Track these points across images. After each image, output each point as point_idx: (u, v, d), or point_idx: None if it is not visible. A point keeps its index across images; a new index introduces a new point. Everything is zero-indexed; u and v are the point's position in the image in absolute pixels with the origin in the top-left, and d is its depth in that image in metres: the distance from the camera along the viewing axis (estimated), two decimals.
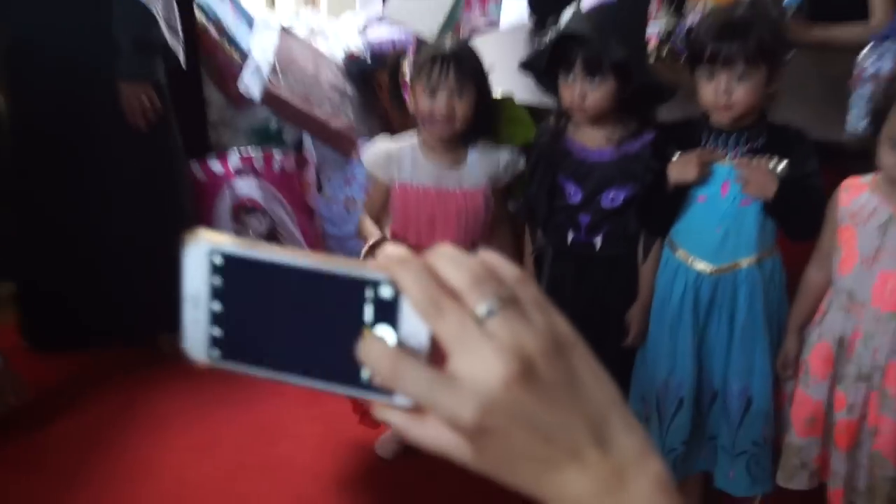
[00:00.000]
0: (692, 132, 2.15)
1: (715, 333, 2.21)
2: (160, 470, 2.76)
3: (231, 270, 0.57)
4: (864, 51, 2.42)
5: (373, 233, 2.46)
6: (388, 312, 0.54)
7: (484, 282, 0.52)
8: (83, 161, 3.02)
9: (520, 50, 3.10)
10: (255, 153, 3.48)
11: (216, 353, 0.59)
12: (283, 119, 3.67)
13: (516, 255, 2.52)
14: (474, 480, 2.26)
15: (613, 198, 2.27)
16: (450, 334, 0.51)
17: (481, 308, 0.51)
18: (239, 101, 3.62)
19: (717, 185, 2.11)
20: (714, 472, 2.31)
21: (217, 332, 0.58)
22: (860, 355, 2.03)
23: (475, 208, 2.40)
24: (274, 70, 3.52)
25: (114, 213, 3.09)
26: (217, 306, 0.58)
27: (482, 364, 0.50)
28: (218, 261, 0.57)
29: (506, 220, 2.52)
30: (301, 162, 3.55)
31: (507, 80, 2.79)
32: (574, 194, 2.30)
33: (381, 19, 4.04)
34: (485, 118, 2.38)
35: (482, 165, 2.40)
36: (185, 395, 3.09)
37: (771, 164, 2.06)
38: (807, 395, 2.12)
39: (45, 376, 3.16)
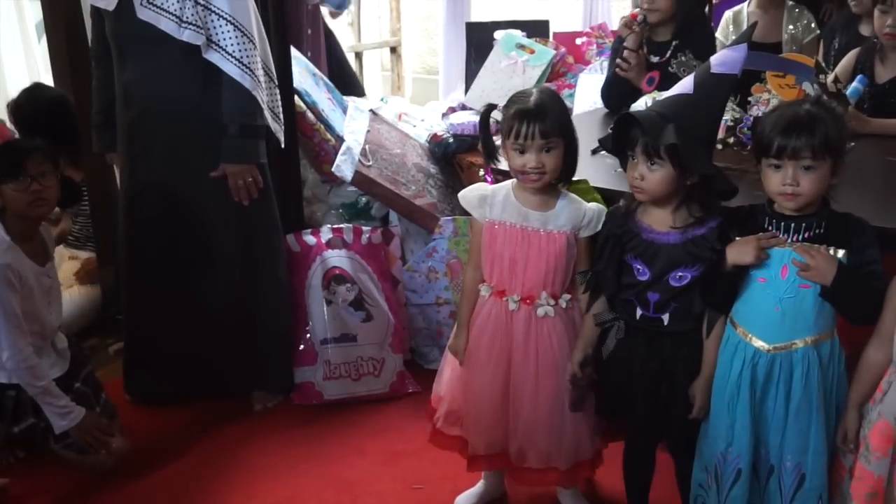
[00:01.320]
0: (755, 217, 2.16)
1: (772, 409, 2.17)
2: None
3: None
4: None
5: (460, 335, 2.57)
6: None
7: None
8: (189, 231, 3.12)
9: (593, 135, 3.12)
10: (345, 227, 3.54)
11: None
12: (372, 197, 3.74)
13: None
14: None
15: (681, 277, 2.26)
16: None
17: None
18: (332, 178, 3.71)
19: (777, 267, 2.10)
20: None
21: None
22: None
23: (557, 251, 2.41)
24: (364, 153, 3.61)
25: (215, 279, 3.18)
26: None
27: None
28: None
29: (586, 258, 2.49)
30: (387, 235, 3.60)
31: (581, 164, 2.83)
32: (642, 273, 2.29)
33: (462, 106, 4.13)
34: (570, 166, 2.41)
35: (568, 213, 2.42)
36: (274, 448, 3.12)
37: (830, 252, 2.05)
38: (868, 470, 2.05)
39: (146, 428, 3.23)
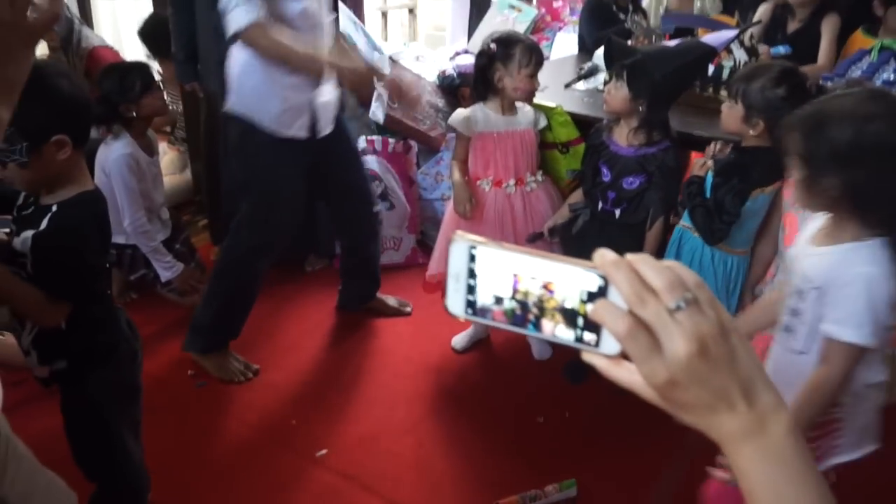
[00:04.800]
0: None
1: None
2: (304, 345, 2.81)
3: (482, 259, 0.59)
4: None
5: (456, 178, 2.49)
6: (598, 296, 0.56)
7: (675, 285, 0.54)
8: None
9: (566, 74, 3.05)
10: (376, 139, 3.43)
11: (469, 311, 0.60)
12: (398, 132, 3.62)
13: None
14: (517, 370, 2.23)
15: (631, 182, 2.22)
16: (650, 320, 0.54)
17: (672, 303, 0.54)
18: (367, 102, 3.59)
19: None
20: None
21: (470, 298, 0.60)
22: None
23: (530, 142, 2.45)
24: (391, 99, 3.49)
25: None
26: (472, 282, 0.60)
27: (673, 343, 0.53)
28: (474, 252, 0.59)
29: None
30: (406, 146, 3.49)
31: (556, 94, 2.75)
32: (605, 175, 2.25)
33: (466, 51, 4.00)
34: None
35: (524, 115, 2.44)
36: (319, 299, 3.11)
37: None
38: (763, 336, 2.03)
39: None
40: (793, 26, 3.12)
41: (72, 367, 1.60)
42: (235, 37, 2.15)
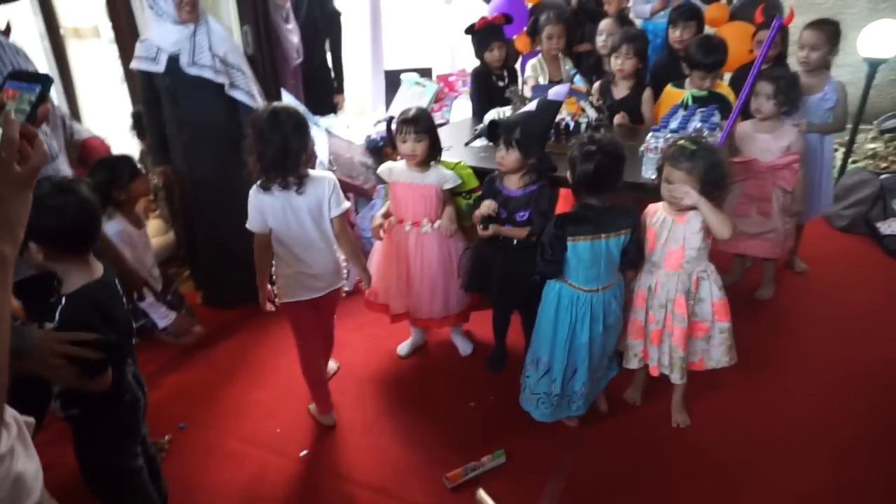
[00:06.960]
0: None
1: None
2: (278, 366, 2.67)
3: None
4: (648, 136, 2.40)
5: (378, 214, 2.48)
6: None
7: None
8: (233, 200, 2.79)
9: (464, 134, 3.04)
10: None
11: None
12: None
13: (454, 221, 2.40)
14: (450, 367, 2.17)
15: (522, 215, 2.22)
16: None
17: None
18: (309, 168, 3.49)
19: None
20: None
21: None
22: (660, 295, 2.04)
23: (430, 195, 2.36)
24: (331, 162, 3.42)
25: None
26: None
27: None
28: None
29: (451, 203, 2.42)
30: (347, 196, 3.41)
31: (458, 152, 2.73)
32: (502, 213, 2.24)
33: (385, 119, 3.95)
34: (436, 150, 2.34)
35: (435, 175, 2.36)
36: (282, 326, 2.95)
37: None
38: (636, 318, 2.12)
39: (211, 320, 3.00)
40: (619, 94, 3.15)
41: (83, 412, 1.53)
42: None
